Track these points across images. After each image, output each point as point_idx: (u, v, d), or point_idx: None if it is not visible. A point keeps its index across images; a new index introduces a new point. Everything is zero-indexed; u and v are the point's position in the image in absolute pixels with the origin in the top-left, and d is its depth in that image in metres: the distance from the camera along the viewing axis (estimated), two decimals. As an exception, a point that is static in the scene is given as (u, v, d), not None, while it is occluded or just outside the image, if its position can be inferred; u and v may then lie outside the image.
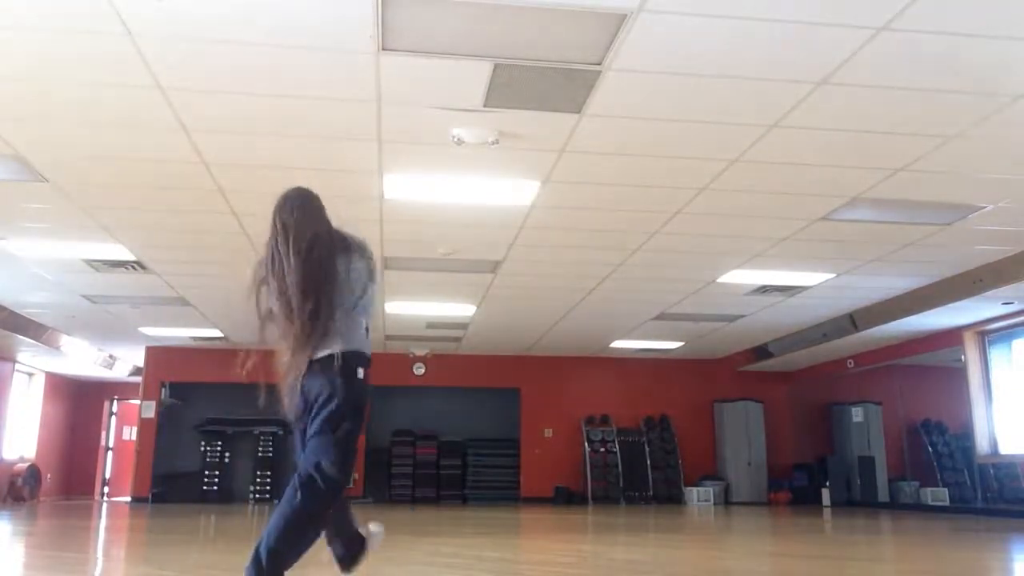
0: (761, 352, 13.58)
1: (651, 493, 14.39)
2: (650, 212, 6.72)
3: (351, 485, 3.11)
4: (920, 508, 12.46)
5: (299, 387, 3.12)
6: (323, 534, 3.13)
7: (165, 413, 14.32)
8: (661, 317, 11.09)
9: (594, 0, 3.68)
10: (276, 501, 14.86)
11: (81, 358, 14.11)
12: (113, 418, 18.29)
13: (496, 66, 4.30)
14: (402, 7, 3.76)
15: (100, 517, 10.60)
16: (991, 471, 12.12)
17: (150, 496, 13.66)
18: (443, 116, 4.91)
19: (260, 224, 6.98)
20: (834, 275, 8.69)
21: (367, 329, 3.21)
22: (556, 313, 10.97)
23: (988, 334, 10.70)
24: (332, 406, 3.02)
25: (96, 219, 6.90)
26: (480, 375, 14.31)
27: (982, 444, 10.79)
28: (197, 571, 4.46)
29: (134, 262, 8.29)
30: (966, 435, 11.60)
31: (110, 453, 18.19)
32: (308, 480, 2.97)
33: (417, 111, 4.87)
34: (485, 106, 4.77)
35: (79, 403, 17.46)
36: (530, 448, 14.62)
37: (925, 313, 9.65)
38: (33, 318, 11.44)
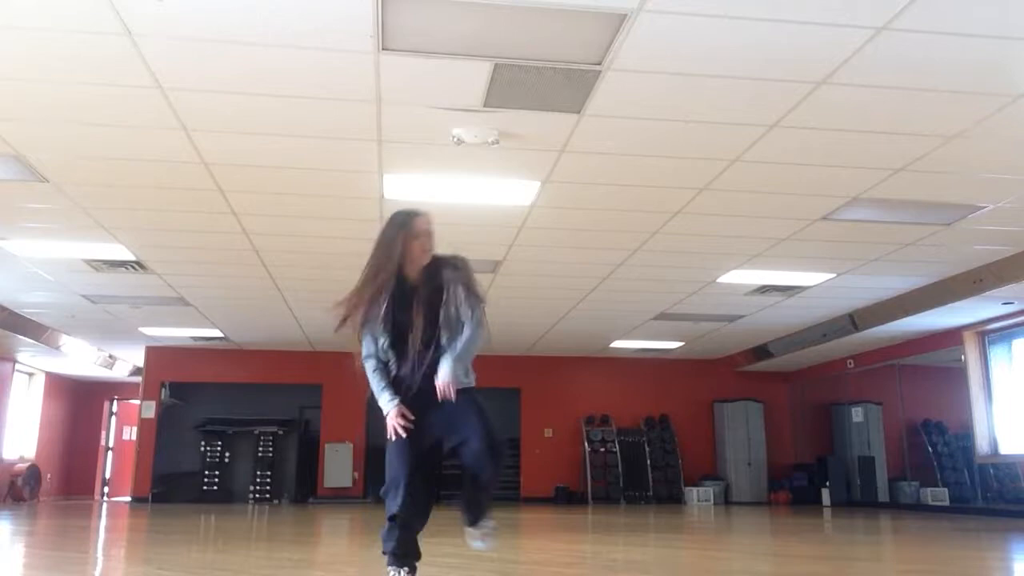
0: (761, 352, 13.58)
1: (651, 493, 14.39)
2: (650, 212, 6.72)
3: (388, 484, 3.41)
4: (920, 508, 12.45)
5: None
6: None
7: (165, 413, 14.32)
8: (661, 317, 11.09)
9: (594, 0, 3.67)
10: (276, 501, 14.86)
11: (81, 358, 14.11)
12: (113, 418, 18.30)
13: (496, 66, 4.29)
14: (402, 7, 3.75)
15: (100, 517, 10.59)
16: (991, 471, 12.12)
17: (150, 496, 13.66)
18: (443, 116, 4.91)
19: (260, 224, 7.05)
20: (834, 275, 8.69)
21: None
22: (556, 313, 10.96)
23: (988, 334, 10.70)
24: None
25: (96, 219, 6.90)
26: (480, 375, 14.20)
27: (982, 444, 10.79)
28: (197, 571, 4.46)
29: (134, 262, 8.29)
30: (966, 435, 11.60)
31: (110, 453, 18.19)
32: None
33: (417, 111, 4.86)
34: (485, 106, 4.77)
35: (79, 403, 17.46)
36: (530, 448, 14.61)
37: (925, 313, 9.65)
38: (33, 318, 11.44)
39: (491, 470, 3.31)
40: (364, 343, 3.32)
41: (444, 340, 3.30)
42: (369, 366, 3.31)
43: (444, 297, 3.30)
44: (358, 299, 3.29)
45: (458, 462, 3.32)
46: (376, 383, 3.30)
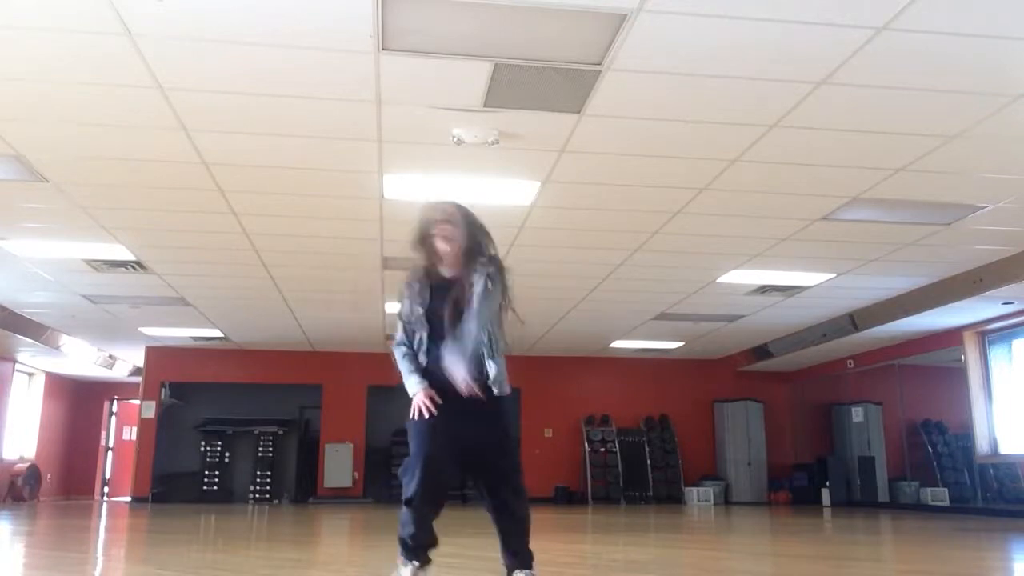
0: (761, 352, 13.58)
1: (651, 493, 14.39)
2: (650, 212, 6.72)
3: (408, 492, 3.22)
4: (920, 508, 12.46)
5: None
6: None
7: (165, 413, 14.32)
8: (661, 317, 11.09)
9: (594, 0, 3.68)
10: (276, 501, 14.81)
11: (81, 358, 14.12)
12: (113, 418, 18.30)
13: (496, 66, 4.30)
14: (402, 7, 3.76)
15: (100, 517, 10.60)
16: (991, 471, 12.12)
17: (150, 496, 13.66)
18: (443, 116, 4.91)
19: (260, 224, 7.05)
20: (834, 275, 8.69)
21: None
22: (556, 313, 10.97)
23: (988, 334, 10.70)
24: None
25: (96, 219, 6.90)
26: (480, 375, 14.25)
27: (982, 444, 10.79)
28: (197, 571, 4.46)
29: (134, 262, 8.29)
30: (966, 435, 11.60)
31: (110, 453, 18.19)
32: None
33: (417, 111, 4.86)
34: (485, 106, 4.77)
35: (79, 403, 17.46)
36: (530, 448, 14.60)
37: (925, 313, 9.66)
38: (33, 318, 11.44)
39: (520, 514, 3.34)
40: (398, 330, 3.35)
41: (478, 339, 3.22)
42: (399, 352, 3.32)
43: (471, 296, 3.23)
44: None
45: (483, 503, 3.34)
46: (405, 366, 3.29)
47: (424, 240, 3.29)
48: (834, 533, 8.14)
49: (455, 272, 3.29)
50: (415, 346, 3.30)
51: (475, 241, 3.31)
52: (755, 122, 4.97)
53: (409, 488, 3.16)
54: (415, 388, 3.24)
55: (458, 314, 3.21)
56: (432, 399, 3.19)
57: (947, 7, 3.70)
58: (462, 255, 3.28)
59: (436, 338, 3.25)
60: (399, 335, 3.34)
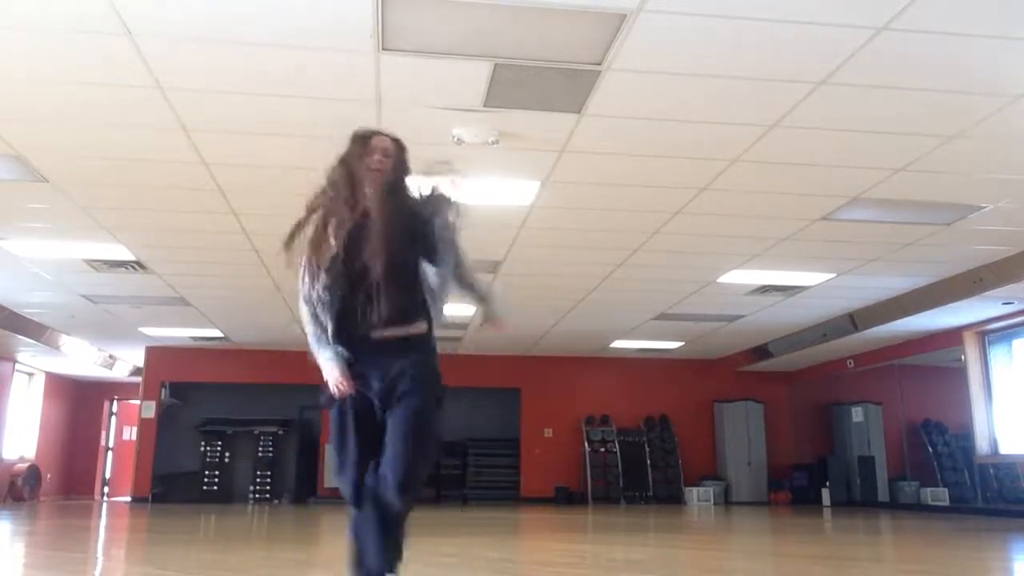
0: (761, 352, 13.58)
1: (651, 493, 14.39)
2: (650, 212, 6.72)
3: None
4: (920, 508, 12.46)
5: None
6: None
7: (165, 413, 14.32)
8: (661, 317, 11.10)
9: (594, 0, 3.68)
10: (276, 501, 14.79)
11: (81, 358, 14.12)
12: (113, 418, 18.30)
13: (496, 66, 4.30)
14: (402, 7, 3.76)
15: (100, 517, 10.60)
16: (991, 471, 12.12)
17: (150, 496, 13.67)
18: (443, 116, 4.91)
19: (260, 224, 7.05)
20: (834, 275, 8.69)
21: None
22: (556, 313, 10.96)
23: (988, 334, 10.70)
24: None
25: (96, 219, 6.90)
26: (480, 375, 14.29)
27: (982, 444, 10.80)
28: (197, 571, 4.46)
29: (134, 262, 8.29)
30: (966, 435, 11.60)
31: (110, 453, 18.20)
32: None
33: (417, 111, 4.86)
34: (485, 106, 4.77)
35: (79, 403, 17.46)
36: (530, 448, 14.62)
37: (925, 313, 9.66)
38: (33, 318, 11.44)
39: (398, 507, 2.73)
40: (302, 284, 2.83)
41: (430, 283, 2.73)
42: (307, 312, 2.77)
43: (428, 231, 2.79)
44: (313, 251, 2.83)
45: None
46: (313, 331, 2.76)
47: (359, 169, 2.81)
48: (834, 533, 8.14)
49: (374, 202, 2.79)
50: (315, 296, 2.74)
51: (402, 172, 2.91)
52: (755, 122, 4.97)
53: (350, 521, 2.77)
54: (329, 363, 2.71)
55: (407, 249, 2.76)
56: (346, 383, 2.68)
57: (947, 7, 3.70)
58: (385, 189, 2.80)
59: (350, 284, 2.71)
60: (304, 289, 2.82)
